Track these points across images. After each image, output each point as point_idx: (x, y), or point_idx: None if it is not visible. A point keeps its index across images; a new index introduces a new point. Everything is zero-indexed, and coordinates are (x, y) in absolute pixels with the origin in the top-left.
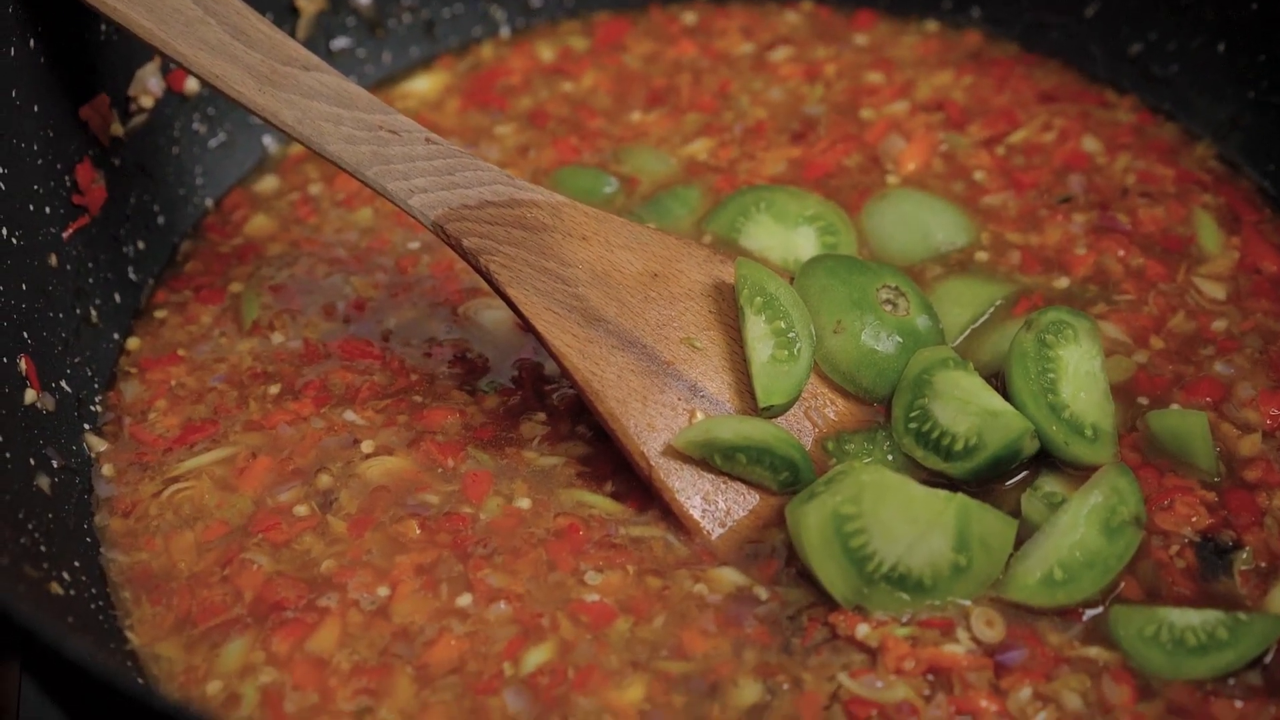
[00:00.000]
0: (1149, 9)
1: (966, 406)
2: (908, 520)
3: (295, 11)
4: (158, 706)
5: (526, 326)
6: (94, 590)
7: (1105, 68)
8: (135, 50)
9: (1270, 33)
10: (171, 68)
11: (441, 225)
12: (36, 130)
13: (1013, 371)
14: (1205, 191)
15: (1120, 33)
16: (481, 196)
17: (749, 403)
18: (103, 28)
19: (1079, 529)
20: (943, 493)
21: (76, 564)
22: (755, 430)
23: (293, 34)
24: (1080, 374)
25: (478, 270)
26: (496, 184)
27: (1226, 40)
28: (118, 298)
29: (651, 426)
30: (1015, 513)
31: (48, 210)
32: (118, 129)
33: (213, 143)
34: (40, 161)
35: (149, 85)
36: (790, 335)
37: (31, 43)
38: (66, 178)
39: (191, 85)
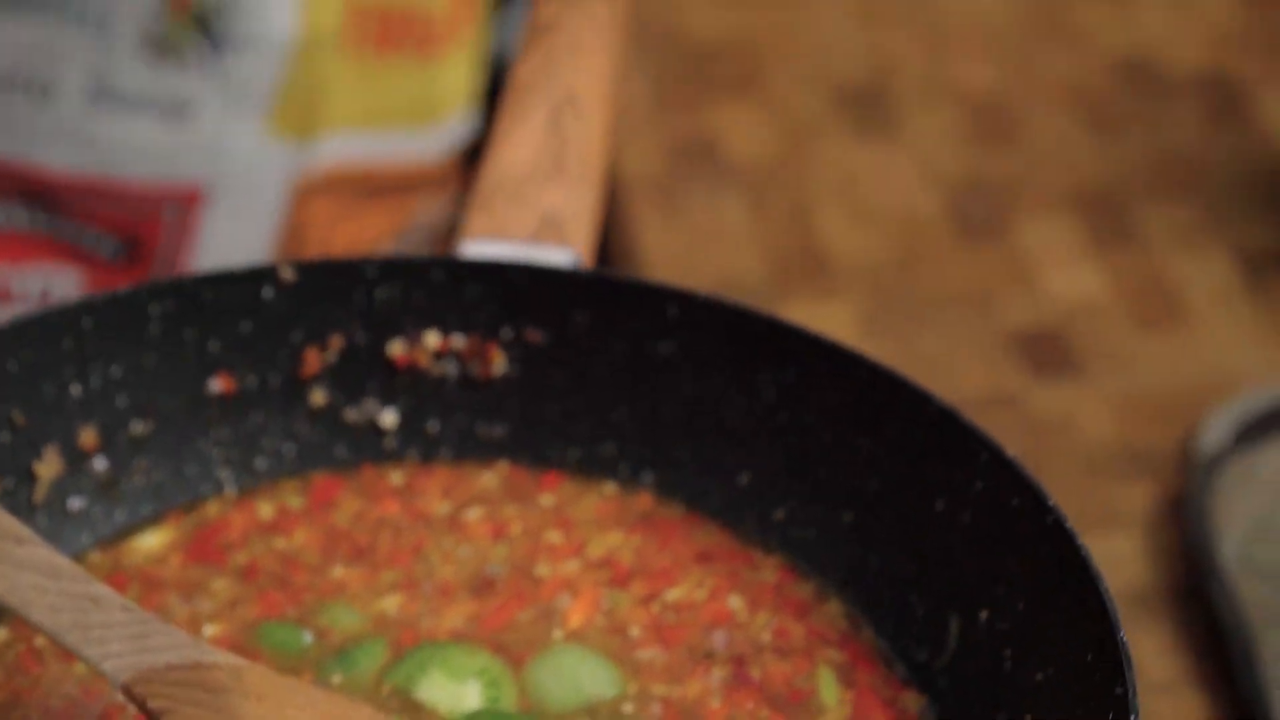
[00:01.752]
0: (791, 480)
1: None
2: None
3: (34, 477)
4: None
5: None
6: None
7: (755, 530)
8: None
9: (891, 502)
10: None
11: (129, 687)
12: None
13: None
14: (830, 646)
15: (768, 498)
16: (169, 660)
17: None
18: None
19: None
20: None
21: None
22: None
23: (31, 498)
24: None
25: None
26: (184, 648)
27: (853, 510)
28: None
29: None
30: None
31: None
32: None
33: None
34: None
35: None
36: None
37: None
38: None
39: None
